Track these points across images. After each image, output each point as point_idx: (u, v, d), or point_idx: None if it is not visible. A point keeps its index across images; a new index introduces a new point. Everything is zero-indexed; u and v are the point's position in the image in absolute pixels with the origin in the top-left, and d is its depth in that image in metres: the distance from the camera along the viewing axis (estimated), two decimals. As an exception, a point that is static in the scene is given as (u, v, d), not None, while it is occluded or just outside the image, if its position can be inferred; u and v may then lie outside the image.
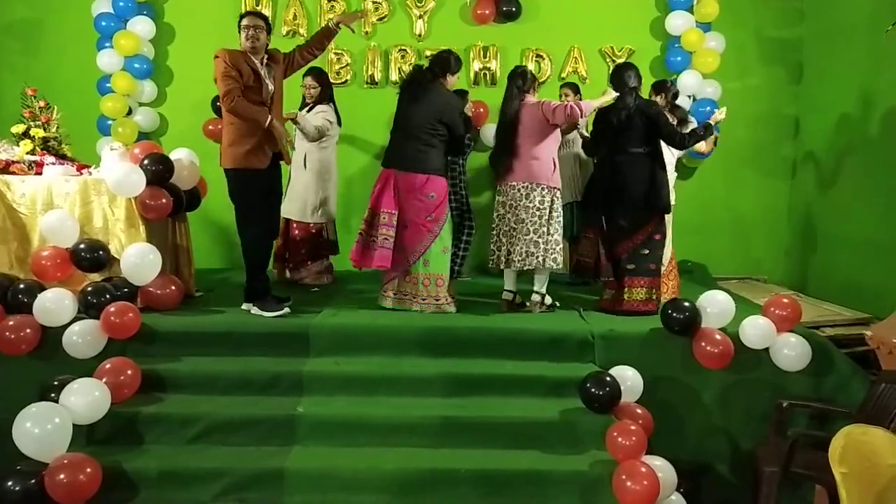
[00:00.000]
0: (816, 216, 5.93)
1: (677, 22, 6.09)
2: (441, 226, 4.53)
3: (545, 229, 4.54)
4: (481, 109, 6.04)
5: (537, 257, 4.52)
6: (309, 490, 3.27)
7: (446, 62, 4.58)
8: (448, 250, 4.62)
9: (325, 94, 5.29)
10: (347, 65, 6.23)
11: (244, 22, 4.25)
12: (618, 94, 4.55)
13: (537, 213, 4.53)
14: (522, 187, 4.55)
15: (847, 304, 5.08)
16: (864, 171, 5.19)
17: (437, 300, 4.53)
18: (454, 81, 4.65)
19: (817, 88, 6.00)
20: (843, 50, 5.55)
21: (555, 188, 4.57)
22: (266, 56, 4.32)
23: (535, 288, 4.64)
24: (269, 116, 4.20)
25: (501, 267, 4.65)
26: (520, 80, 4.63)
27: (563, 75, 6.26)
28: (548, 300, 4.68)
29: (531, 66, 6.26)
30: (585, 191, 5.11)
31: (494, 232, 4.67)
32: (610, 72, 4.84)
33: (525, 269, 4.59)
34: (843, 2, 5.59)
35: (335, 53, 6.20)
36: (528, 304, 4.67)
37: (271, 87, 4.30)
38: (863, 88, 5.24)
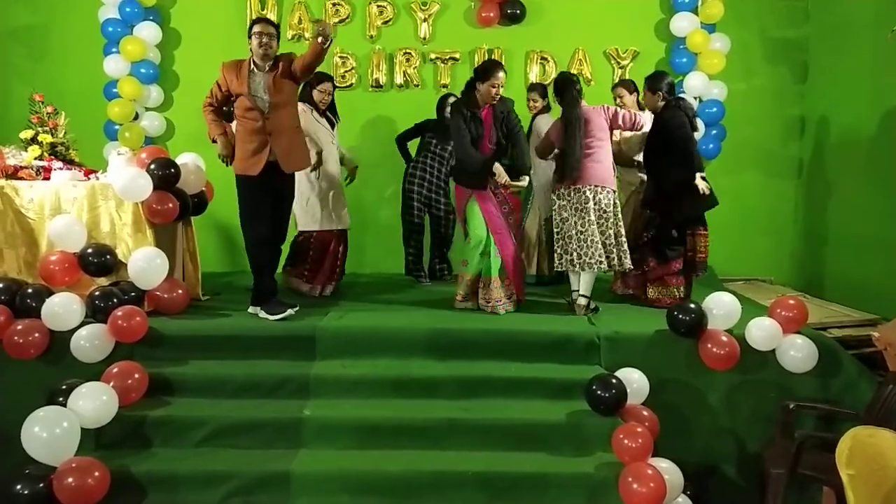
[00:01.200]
0: (823, 216, 5.91)
1: (682, 23, 6.09)
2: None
3: (616, 230, 4.62)
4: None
5: (612, 258, 4.60)
6: (315, 493, 3.28)
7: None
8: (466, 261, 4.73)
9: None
10: (352, 68, 6.24)
11: (256, 28, 4.23)
12: None
13: (605, 214, 4.59)
14: (589, 190, 4.57)
15: (854, 305, 5.06)
16: (870, 170, 5.17)
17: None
18: (483, 88, 4.54)
19: (823, 88, 5.98)
20: (849, 49, 5.53)
21: (615, 190, 4.70)
22: (273, 62, 4.29)
23: (582, 291, 4.64)
24: (220, 134, 4.36)
25: (574, 269, 4.64)
26: (578, 86, 4.70)
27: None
28: (592, 303, 4.69)
29: (536, 69, 6.28)
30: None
31: (559, 236, 4.66)
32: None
33: (603, 270, 4.68)
34: (847, 1, 5.57)
35: (340, 57, 6.22)
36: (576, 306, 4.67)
37: (265, 96, 4.24)
38: (868, 88, 5.23)
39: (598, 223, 4.58)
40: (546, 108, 5.60)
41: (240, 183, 4.35)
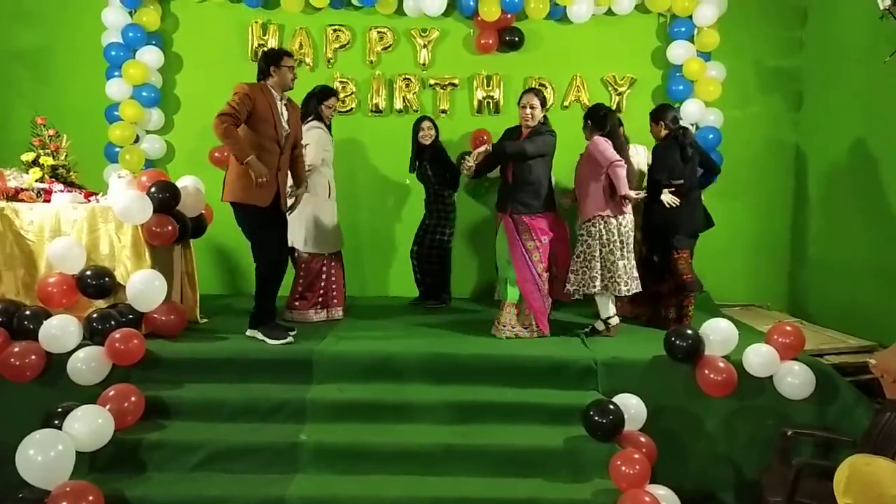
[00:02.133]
0: (819, 243, 5.94)
1: (678, 51, 6.16)
2: None
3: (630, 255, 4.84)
4: (484, 137, 6.10)
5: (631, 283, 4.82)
6: (311, 518, 3.26)
7: None
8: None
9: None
10: (352, 93, 6.30)
11: (288, 62, 4.31)
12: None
13: (627, 241, 4.83)
14: (622, 217, 4.80)
15: (851, 331, 5.06)
16: (865, 197, 5.21)
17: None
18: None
19: (817, 116, 6.04)
20: (842, 79, 5.60)
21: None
22: (287, 99, 4.42)
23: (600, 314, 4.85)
24: (251, 155, 4.10)
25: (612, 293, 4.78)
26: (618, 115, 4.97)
27: (566, 104, 6.32)
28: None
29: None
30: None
31: (604, 261, 4.73)
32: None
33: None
34: (841, 32, 5.65)
35: (340, 82, 6.27)
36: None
37: (287, 128, 4.34)
38: (861, 116, 5.28)
39: (622, 249, 4.73)
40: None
41: (249, 212, 4.29)
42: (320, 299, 5.13)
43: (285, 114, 4.35)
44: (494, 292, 5.67)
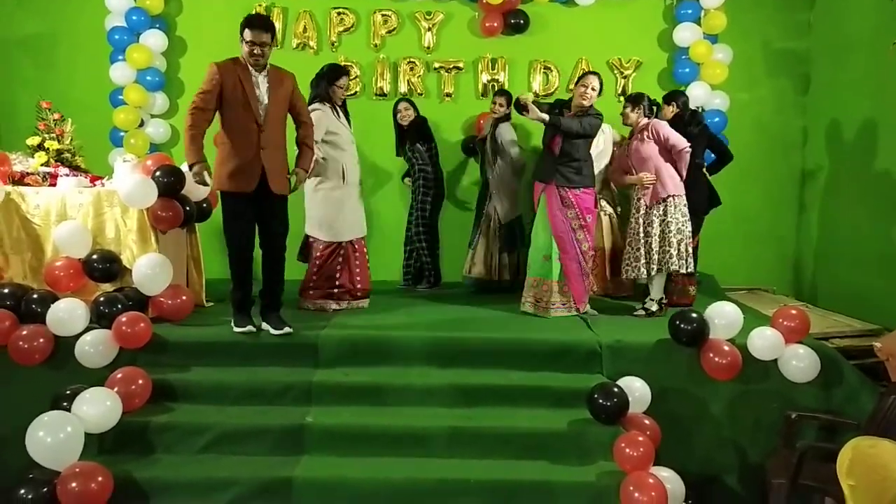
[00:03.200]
0: (825, 226, 5.92)
1: (685, 34, 6.12)
2: None
3: None
4: (482, 121, 6.09)
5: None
6: (317, 500, 3.29)
7: None
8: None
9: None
10: (357, 77, 6.27)
11: (248, 36, 3.92)
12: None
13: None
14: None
15: (856, 315, 5.06)
16: (872, 181, 5.18)
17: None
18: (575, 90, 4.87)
19: (825, 99, 6.00)
20: (850, 62, 5.56)
21: None
22: (270, 71, 4.08)
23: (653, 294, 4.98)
24: (195, 162, 3.96)
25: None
26: None
27: (571, 87, 6.27)
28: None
29: (539, 78, 6.31)
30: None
31: (664, 242, 4.84)
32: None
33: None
34: (850, 14, 5.60)
35: (344, 65, 6.23)
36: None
37: (265, 99, 4.01)
38: (869, 100, 5.25)
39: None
40: (507, 116, 5.69)
41: (226, 199, 4.10)
42: (336, 290, 4.90)
43: (262, 87, 4.02)
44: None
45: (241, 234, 4.10)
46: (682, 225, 4.80)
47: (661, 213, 4.80)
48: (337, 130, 4.85)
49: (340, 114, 4.95)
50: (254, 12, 3.88)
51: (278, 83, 4.10)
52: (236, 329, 4.16)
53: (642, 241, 4.83)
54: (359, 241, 5.00)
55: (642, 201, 4.87)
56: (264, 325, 4.24)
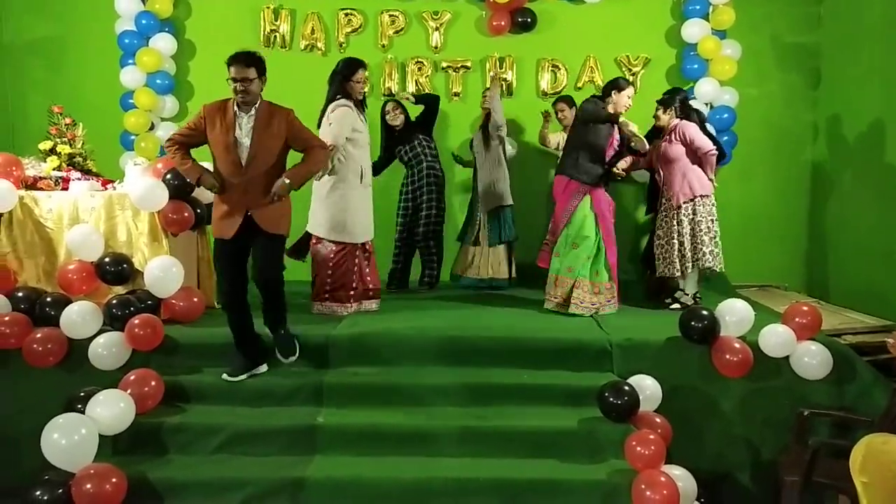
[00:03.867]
0: (836, 222, 5.88)
1: (693, 30, 6.09)
2: None
3: None
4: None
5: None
6: (330, 499, 3.30)
7: None
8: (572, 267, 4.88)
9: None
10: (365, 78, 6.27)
11: (231, 72, 3.69)
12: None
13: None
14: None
15: (869, 311, 5.03)
16: (883, 177, 5.14)
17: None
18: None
19: (835, 94, 5.96)
20: (861, 55, 5.52)
21: None
22: (260, 109, 3.78)
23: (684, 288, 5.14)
24: (197, 174, 3.81)
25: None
26: None
27: (580, 85, 6.28)
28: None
29: (547, 77, 6.30)
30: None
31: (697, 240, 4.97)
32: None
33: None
34: (860, 7, 5.56)
35: (352, 66, 6.26)
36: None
37: (246, 141, 3.74)
38: (881, 94, 5.21)
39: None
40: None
41: (215, 243, 3.95)
42: (352, 293, 4.78)
43: (245, 127, 3.75)
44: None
45: (225, 276, 3.93)
46: (711, 223, 4.94)
47: (690, 212, 4.93)
48: (359, 128, 4.68)
49: (360, 111, 4.75)
50: (237, 51, 3.61)
51: (265, 123, 3.77)
52: (226, 378, 3.89)
53: (676, 240, 4.95)
54: (369, 243, 4.90)
55: (672, 202, 4.96)
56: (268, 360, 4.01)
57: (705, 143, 4.92)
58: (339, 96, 4.64)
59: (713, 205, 4.97)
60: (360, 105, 4.78)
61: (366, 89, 4.86)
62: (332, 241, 4.70)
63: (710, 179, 4.99)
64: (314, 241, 4.80)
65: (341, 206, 4.65)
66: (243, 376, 3.91)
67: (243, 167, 3.75)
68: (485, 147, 5.64)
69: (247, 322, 3.98)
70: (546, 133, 5.89)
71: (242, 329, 3.97)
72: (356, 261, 4.78)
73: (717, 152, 4.99)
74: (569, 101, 5.77)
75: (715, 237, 4.95)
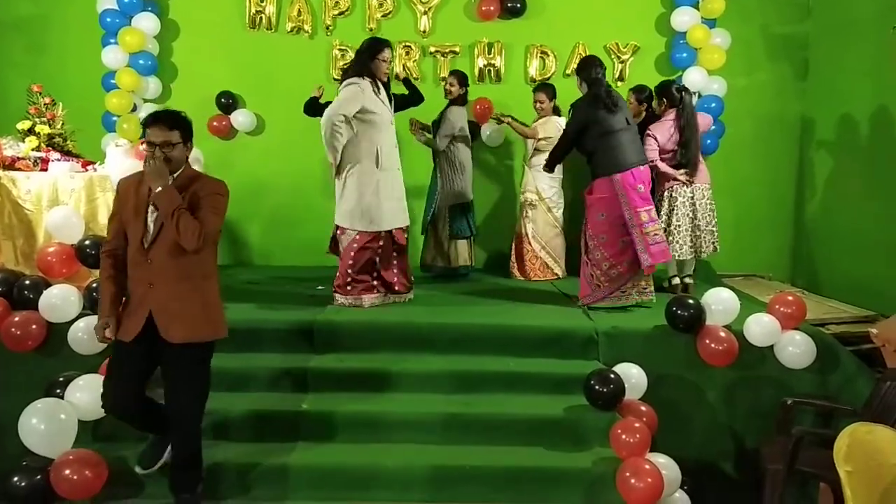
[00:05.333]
0: (822, 213, 5.91)
1: (683, 18, 6.06)
2: None
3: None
4: (478, 107, 6.05)
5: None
6: (314, 486, 3.29)
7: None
8: None
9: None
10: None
11: (148, 134, 2.93)
12: None
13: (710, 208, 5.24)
14: (704, 188, 5.17)
15: (852, 301, 5.07)
16: (870, 167, 5.17)
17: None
18: None
19: (824, 85, 5.97)
20: (850, 46, 5.52)
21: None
22: (182, 181, 2.97)
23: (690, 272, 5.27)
24: (104, 317, 2.98)
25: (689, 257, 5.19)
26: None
27: (568, 72, 6.23)
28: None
29: (536, 63, 6.25)
30: None
31: (684, 229, 5.12)
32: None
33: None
34: (849, -2, 5.57)
35: (339, 49, 6.18)
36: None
37: (151, 227, 2.92)
38: (869, 85, 5.22)
39: (709, 217, 5.22)
40: (463, 100, 5.66)
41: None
42: (375, 282, 4.59)
43: (153, 206, 2.91)
44: None
45: (112, 380, 3.03)
46: (711, 210, 5.19)
47: (706, 198, 5.17)
48: (374, 109, 4.42)
49: (382, 91, 4.53)
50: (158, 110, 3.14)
51: (187, 190, 2.96)
52: (138, 471, 3.23)
53: (689, 224, 5.12)
54: (398, 232, 4.63)
55: (680, 189, 5.10)
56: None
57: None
58: (355, 75, 4.46)
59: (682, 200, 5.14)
60: (384, 86, 4.59)
61: (389, 70, 4.67)
62: (354, 230, 4.51)
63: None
64: (339, 230, 4.62)
65: (358, 192, 4.45)
66: (158, 465, 3.22)
67: (146, 252, 2.93)
68: (443, 140, 5.55)
69: (146, 421, 3.18)
70: (525, 129, 5.74)
71: (143, 426, 3.22)
72: (379, 251, 4.55)
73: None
74: (548, 91, 5.72)
75: (713, 224, 5.20)
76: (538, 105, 5.69)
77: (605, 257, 4.59)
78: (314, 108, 5.22)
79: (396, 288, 4.70)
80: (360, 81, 4.41)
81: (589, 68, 4.67)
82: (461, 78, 5.63)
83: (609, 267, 4.59)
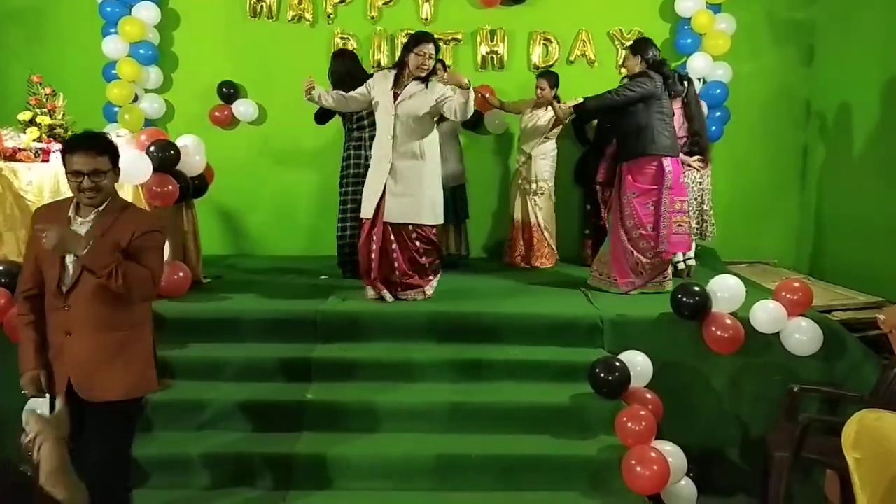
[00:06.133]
0: (828, 199, 5.87)
1: (687, 4, 6.00)
2: None
3: None
4: (484, 95, 6.00)
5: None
6: (318, 476, 3.28)
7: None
8: None
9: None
10: (353, 50, 6.17)
11: (73, 163, 2.54)
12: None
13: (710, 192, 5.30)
14: (706, 173, 5.22)
15: (859, 287, 5.02)
16: (876, 153, 5.12)
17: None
18: None
19: (830, 70, 5.92)
20: (857, 32, 5.46)
21: None
22: (108, 213, 2.59)
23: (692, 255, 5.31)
24: (30, 372, 2.61)
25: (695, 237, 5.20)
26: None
27: (571, 59, 6.20)
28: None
29: (539, 50, 6.21)
30: None
31: (691, 212, 5.05)
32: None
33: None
34: (856, -19, 5.50)
35: (341, 38, 6.14)
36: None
37: (70, 269, 2.53)
38: (876, 70, 5.16)
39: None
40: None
41: None
42: (372, 274, 4.42)
43: (79, 236, 2.50)
44: None
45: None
46: (710, 195, 5.25)
47: (699, 182, 5.20)
48: (377, 97, 4.43)
49: (408, 83, 4.38)
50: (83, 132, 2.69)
51: (107, 229, 2.56)
52: None
53: (697, 207, 5.14)
54: (379, 225, 4.39)
55: (691, 175, 5.11)
56: None
57: None
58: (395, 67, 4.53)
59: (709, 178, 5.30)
60: (425, 79, 4.39)
61: (427, 66, 4.38)
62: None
63: None
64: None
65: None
66: None
67: (64, 296, 2.54)
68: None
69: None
70: (521, 106, 5.74)
71: None
72: (372, 240, 4.41)
73: None
74: (550, 78, 5.66)
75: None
76: (539, 92, 5.64)
77: (650, 247, 4.62)
78: (324, 115, 5.21)
79: (388, 279, 4.46)
80: (385, 72, 4.55)
81: (648, 49, 4.70)
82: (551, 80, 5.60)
83: (654, 255, 4.64)
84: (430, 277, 4.56)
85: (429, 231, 4.50)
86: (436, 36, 6.03)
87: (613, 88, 4.72)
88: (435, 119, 4.51)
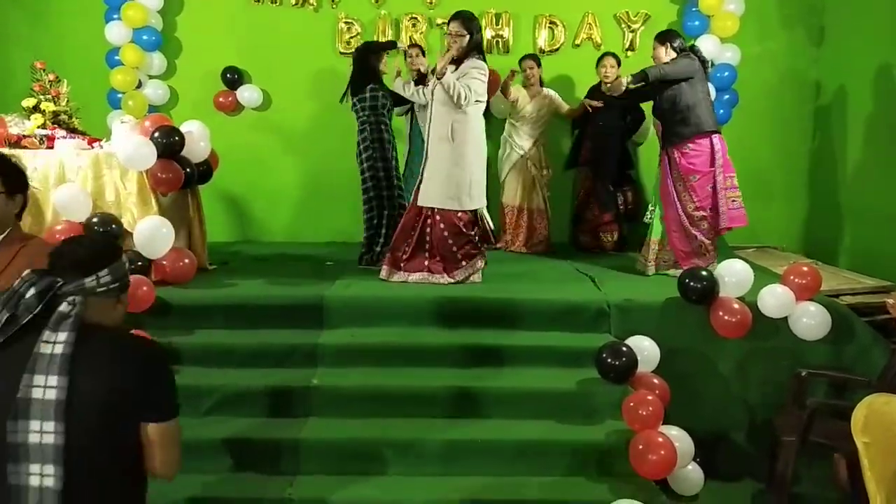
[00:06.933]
0: (837, 183, 5.82)
1: (695, -15, 5.94)
2: None
3: None
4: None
5: None
6: (325, 461, 3.28)
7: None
8: None
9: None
10: (357, 34, 6.13)
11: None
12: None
13: None
14: None
15: (867, 272, 4.99)
16: (885, 137, 5.07)
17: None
18: None
19: (839, 52, 5.84)
20: (867, 13, 5.38)
21: None
22: (6, 242, 2.28)
23: None
24: None
25: None
26: None
27: (577, 42, 6.14)
28: None
29: (544, 33, 6.15)
30: None
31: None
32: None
33: None
34: (866, -39, 5.42)
35: (345, 22, 6.10)
36: None
37: None
38: (886, 52, 5.09)
39: None
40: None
41: None
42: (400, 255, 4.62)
43: None
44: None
45: None
46: None
47: None
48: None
49: (429, 82, 4.60)
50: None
51: (5, 264, 2.25)
52: None
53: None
54: (415, 207, 4.59)
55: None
56: None
57: None
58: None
59: None
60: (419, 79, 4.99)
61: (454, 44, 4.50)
62: None
63: None
64: None
65: None
66: None
67: None
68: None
69: None
70: (510, 83, 5.63)
71: None
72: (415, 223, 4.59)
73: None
74: (537, 59, 5.69)
75: None
76: (529, 72, 5.60)
77: (711, 227, 4.69)
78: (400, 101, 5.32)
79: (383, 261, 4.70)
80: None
81: (675, 37, 4.72)
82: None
83: (714, 235, 4.73)
84: (463, 264, 4.55)
85: (452, 216, 4.49)
86: (440, 20, 6.10)
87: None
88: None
